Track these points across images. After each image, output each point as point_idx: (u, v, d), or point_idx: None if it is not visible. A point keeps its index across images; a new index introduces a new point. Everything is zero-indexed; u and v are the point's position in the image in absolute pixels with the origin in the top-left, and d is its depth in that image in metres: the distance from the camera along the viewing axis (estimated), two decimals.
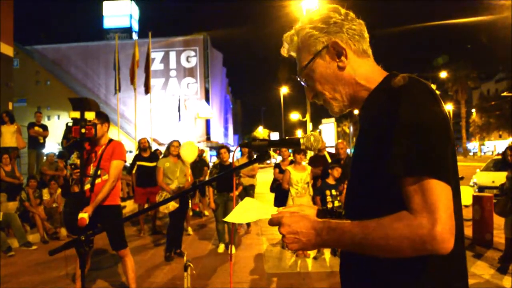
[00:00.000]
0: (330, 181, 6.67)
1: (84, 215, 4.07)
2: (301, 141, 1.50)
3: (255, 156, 1.63)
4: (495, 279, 5.54)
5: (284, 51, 1.49)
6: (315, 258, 6.70)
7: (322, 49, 1.36)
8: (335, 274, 5.87)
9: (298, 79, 1.47)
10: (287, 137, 2.30)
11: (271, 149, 1.58)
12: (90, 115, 3.94)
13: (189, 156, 9.15)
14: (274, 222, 1.33)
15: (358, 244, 1.15)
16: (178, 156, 7.18)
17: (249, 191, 9.02)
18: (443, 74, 54.96)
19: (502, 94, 54.59)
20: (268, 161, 51.26)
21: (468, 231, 7.20)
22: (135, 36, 65.46)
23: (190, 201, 10.55)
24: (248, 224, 9.28)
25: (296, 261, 6.68)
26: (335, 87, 1.38)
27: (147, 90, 20.94)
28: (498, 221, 7.01)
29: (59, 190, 9.43)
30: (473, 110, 68.98)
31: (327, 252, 6.89)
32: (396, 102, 1.16)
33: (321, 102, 1.45)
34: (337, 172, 6.64)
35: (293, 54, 1.47)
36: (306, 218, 1.28)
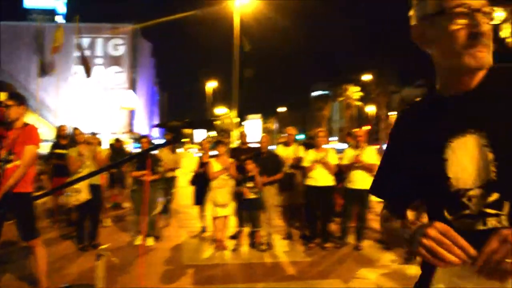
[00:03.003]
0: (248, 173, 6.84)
1: None
2: (217, 122, 1.53)
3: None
4: None
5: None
6: (233, 250, 6.79)
7: None
8: (252, 266, 6.01)
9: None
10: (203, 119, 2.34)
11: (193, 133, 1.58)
12: (1, 96, 3.74)
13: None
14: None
15: None
16: (87, 142, 7.10)
17: (170, 183, 8.98)
18: (368, 77, 57.19)
19: (416, 100, 57.62)
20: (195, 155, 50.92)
21: None
22: (59, 19, 62.40)
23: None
24: (168, 216, 9.20)
25: (214, 253, 6.73)
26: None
27: (88, 74, 20.19)
28: None
29: None
30: (391, 113, 72.19)
31: (245, 245, 7.00)
32: None
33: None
34: (250, 165, 6.79)
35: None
36: None
